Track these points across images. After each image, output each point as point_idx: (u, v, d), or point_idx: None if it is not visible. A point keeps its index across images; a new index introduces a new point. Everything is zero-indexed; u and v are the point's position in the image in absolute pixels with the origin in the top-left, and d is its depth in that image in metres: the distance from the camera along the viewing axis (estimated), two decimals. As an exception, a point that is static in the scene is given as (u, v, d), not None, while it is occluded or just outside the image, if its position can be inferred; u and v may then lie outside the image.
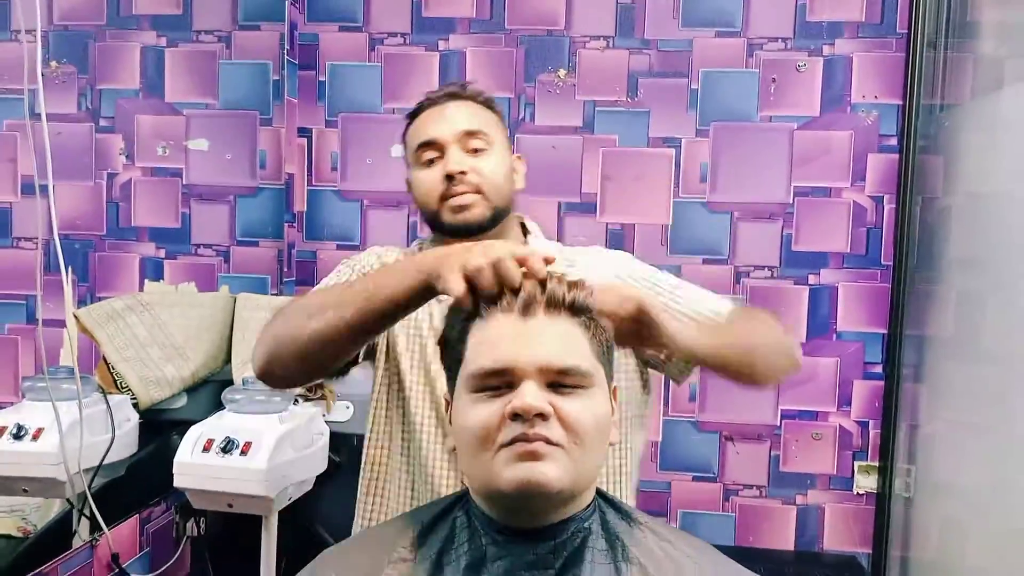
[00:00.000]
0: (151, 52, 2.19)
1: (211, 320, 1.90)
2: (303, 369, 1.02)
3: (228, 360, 1.88)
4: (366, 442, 1.22)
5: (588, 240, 2.13)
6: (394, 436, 1.19)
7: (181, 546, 1.64)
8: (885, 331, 2.10)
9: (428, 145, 1.18)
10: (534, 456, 0.76)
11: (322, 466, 1.76)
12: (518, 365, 0.78)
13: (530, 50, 2.16)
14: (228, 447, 1.47)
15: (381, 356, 1.20)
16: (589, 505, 0.84)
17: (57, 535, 1.47)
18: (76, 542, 1.46)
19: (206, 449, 1.47)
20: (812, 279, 2.12)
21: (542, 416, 0.76)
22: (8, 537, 1.65)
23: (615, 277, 1.17)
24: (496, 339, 0.80)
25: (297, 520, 1.79)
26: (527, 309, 0.80)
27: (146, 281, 2.22)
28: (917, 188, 2.07)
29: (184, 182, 2.21)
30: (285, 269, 2.14)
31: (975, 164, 1.87)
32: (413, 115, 1.22)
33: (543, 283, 0.81)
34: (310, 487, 1.74)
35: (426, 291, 0.87)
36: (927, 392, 2.02)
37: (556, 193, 2.16)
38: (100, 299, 2.22)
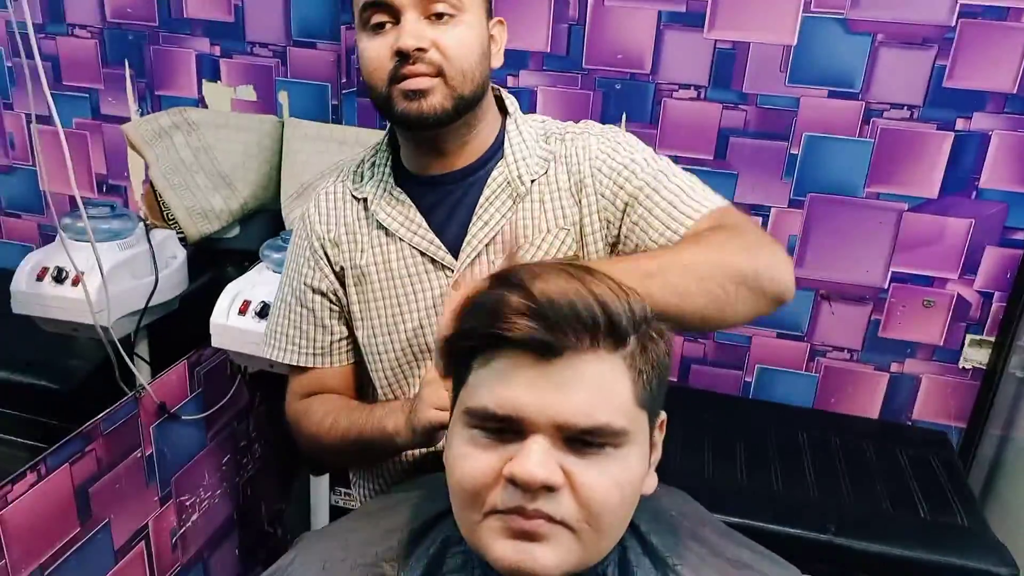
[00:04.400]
0: None
1: (258, 148, 1.74)
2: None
3: (278, 193, 1.74)
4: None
5: (692, 55, 1.79)
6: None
7: (236, 383, 1.63)
8: (1039, 191, 1.75)
9: (376, 6, 0.89)
10: (530, 536, 0.60)
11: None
12: (528, 416, 0.60)
13: None
14: (265, 311, 1.38)
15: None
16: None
17: (106, 382, 1.45)
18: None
19: (242, 312, 1.39)
20: (961, 124, 1.74)
21: (549, 487, 0.59)
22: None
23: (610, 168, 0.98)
24: (505, 375, 0.61)
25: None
26: (547, 352, 0.60)
27: (204, 82, 2.07)
28: None
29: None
30: (343, 79, 1.93)
31: None
32: None
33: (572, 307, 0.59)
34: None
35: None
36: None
37: (657, -1, 1.80)
38: (160, 98, 2.10)
